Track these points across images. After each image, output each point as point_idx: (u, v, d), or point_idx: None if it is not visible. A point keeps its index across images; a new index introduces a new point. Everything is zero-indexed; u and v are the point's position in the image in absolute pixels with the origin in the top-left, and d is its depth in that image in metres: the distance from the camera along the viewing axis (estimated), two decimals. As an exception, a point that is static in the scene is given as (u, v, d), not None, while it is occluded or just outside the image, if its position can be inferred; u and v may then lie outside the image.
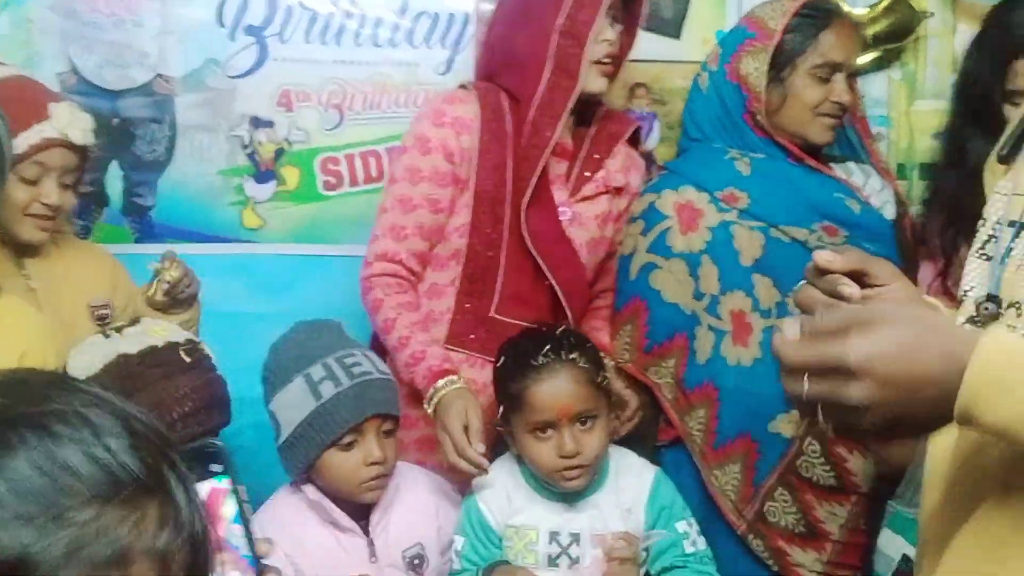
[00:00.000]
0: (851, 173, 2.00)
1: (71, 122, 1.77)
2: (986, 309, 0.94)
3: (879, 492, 1.77)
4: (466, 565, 1.73)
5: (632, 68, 2.35)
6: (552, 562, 1.71)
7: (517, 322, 1.89)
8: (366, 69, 2.30)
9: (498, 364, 1.75)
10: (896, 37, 2.34)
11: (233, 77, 2.26)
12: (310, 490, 1.70)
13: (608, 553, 1.65)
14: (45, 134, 1.73)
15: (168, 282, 1.84)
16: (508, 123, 1.89)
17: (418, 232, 1.89)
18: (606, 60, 1.89)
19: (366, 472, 1.65)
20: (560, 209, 1.93)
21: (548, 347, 1.68)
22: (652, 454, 1.93)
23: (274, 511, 1.71)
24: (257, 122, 2.29)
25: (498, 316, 1.91)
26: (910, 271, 1.96)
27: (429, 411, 1.78)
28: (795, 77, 1.89)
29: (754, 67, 1.90)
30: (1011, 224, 0.95)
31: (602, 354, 1.79)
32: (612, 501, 1.72)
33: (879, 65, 2.37)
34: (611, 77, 1.93)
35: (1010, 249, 0.94)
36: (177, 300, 1.88)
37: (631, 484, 1.74)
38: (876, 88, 2.36)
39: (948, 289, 1.93)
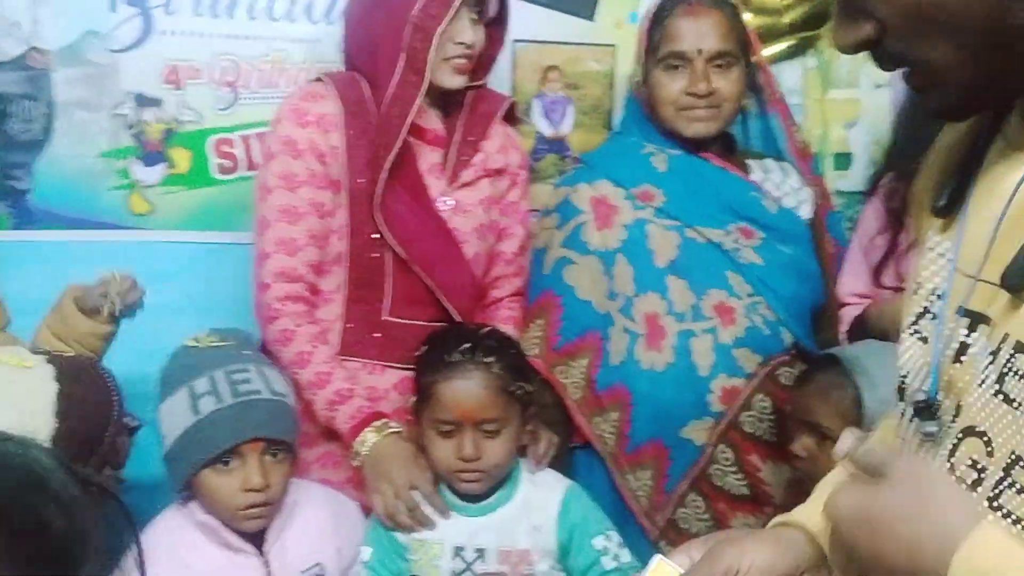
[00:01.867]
0: (769, 171, 1.95)
1: None
2: (927, 433, 0.81)
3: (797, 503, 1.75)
4: (372, 576, 1.67)
5: (545, 51, 2.28)
6: (455, 577, 1.64)
7: (413, 322, 1.82)
8: (262, 45, 2.16)
9: (418, 353, 1.69)
10: (812, 25, 2.30)
11: (115, 51, 2.10)
12: (197, 509, 1.59)
13: None
14: None
15: (118, 302, 1.72)
16: (373, 116, 1.78)
17: (311, 241, 1.77)
18: (460, 59, 1.78)
19: (243, 499, 1.54)
20: (441, 200, 1.83)
21: (466, 345, 1.62)
22: (565, 455, 1.88)
23: (161, 531, 1.59)
24: (143, 100, 2.13)
25: (392, 319, 1.82)
26: (826, 272, 1.94)
27: (356, 462, 1.70)
28: (653, 74, 1.84)
29: (635, 71, 1.86)
30: (966, 313, 0.80)
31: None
32: (521, 516, 1.66)
33: (794, 53, 2.33)
34: (467, 72, 1.81)
35: (964, 345, 0.80)
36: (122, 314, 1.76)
37: (541, 500, 1.68)
38: (791, 77, 2.33)
39: (880, 283, 1.90)
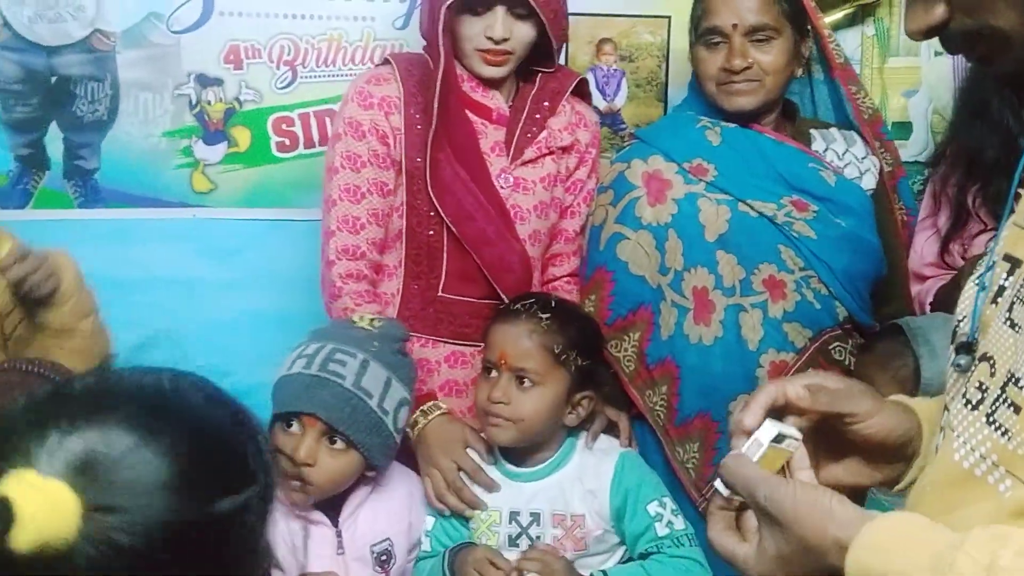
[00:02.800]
0: (833, 140, 1.93)
1: None
2: (958, 365, 0.87)
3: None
4: (434, 545, 1.72)
5: (598, 23, 2.28)
6: (513, 542, 1.69)
7: (465, 299, 1.87)
8: (319, 24, 2.20)
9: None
10: (870, -8, 2.26)
11: (177, 32, 2.16)
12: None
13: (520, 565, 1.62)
14: None
15: (12, 280, 1.54)
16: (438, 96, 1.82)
17: (373, 219, 1.83)
18: (488, 52, 1.79)
19: (286, 466, 1.57)
20: (502, 177, 1.86)
21: (531, 301, 1.70)
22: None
23: None
24: (204, 80, 2.18)
25: (446, 295, 1.87)
26: (888, 243, 1.92)
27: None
28: (695, 50, 1.85)
29: (689, 41, 1.87)
30: (1007, 258, 0.86)
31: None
32: (575, 482, 1.70)
33: (852, 21, 2.30)
34: (501, 64, 1.80)
35: (1002, 288, 0.85)
36: (33, 300, 1.58)
37: (596, 464, 1.71)
38: (849, 44, 2.29)
39: (945, 262, 1.89)
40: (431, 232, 1.84)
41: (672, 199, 1.84)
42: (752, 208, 1.82)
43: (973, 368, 0.85)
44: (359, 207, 1.81)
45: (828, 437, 0.96)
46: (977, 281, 0.91)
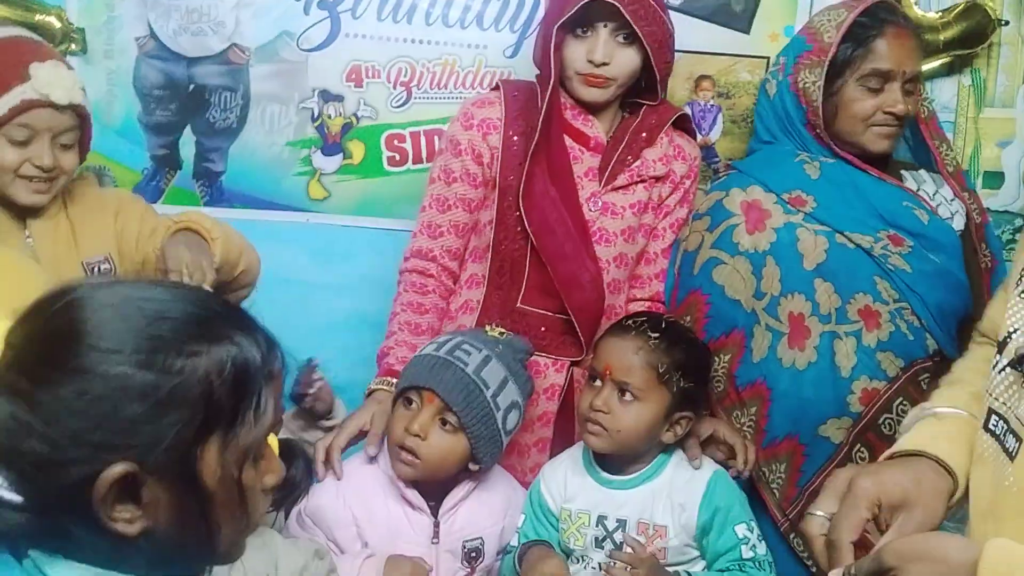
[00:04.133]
0: (923, 181, 1.99)
1: (51, 82, 1.70)
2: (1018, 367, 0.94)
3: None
4: (522, 541, 1.79)
5: (698, 60, 2.36)
6: (599, 544, 1.76)
7: (543, 312, 1.97)
8: (435, 49, 2.33)
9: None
10: (968, 43, 2.31)
11: (306, 50, 2.30)
12: (385, 465, 1.74)
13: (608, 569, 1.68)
14: (25, 95, 1.69)
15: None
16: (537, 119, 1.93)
17: (453, 230, 2.00)
18: (590, 75, 1.89)
19: (401, 437, 1.68)
20: (592, 200, 1.96)
21: (643, 319, 1.76)
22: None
23: (352, 476, 1.76)
24: (327, 96, 2.32)
25: (524, 307, 1.98)
26: (974, 283, 1.96)
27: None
28: (846, 88, 1.89)
29: (811, 80, 1.91)
30: None
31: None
32: (665, 494, 1.75)
33: (949, 70, 2.35)
34: (601, 86, 1.90)
35: None
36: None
37: (687, 480, 1.76)
38: (945, 93, 2.35)
39: None
40: (518, 247, 1.95)
41: (771, 228, 1.91)
42: (850, 240, 1.88)
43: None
44: (443, 216, 1.99)
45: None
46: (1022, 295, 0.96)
